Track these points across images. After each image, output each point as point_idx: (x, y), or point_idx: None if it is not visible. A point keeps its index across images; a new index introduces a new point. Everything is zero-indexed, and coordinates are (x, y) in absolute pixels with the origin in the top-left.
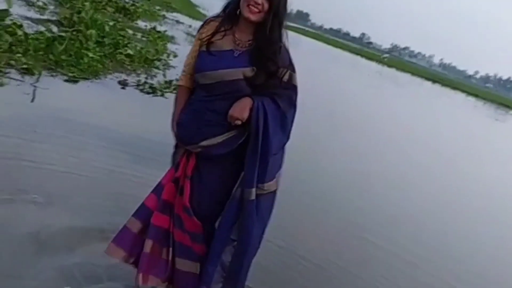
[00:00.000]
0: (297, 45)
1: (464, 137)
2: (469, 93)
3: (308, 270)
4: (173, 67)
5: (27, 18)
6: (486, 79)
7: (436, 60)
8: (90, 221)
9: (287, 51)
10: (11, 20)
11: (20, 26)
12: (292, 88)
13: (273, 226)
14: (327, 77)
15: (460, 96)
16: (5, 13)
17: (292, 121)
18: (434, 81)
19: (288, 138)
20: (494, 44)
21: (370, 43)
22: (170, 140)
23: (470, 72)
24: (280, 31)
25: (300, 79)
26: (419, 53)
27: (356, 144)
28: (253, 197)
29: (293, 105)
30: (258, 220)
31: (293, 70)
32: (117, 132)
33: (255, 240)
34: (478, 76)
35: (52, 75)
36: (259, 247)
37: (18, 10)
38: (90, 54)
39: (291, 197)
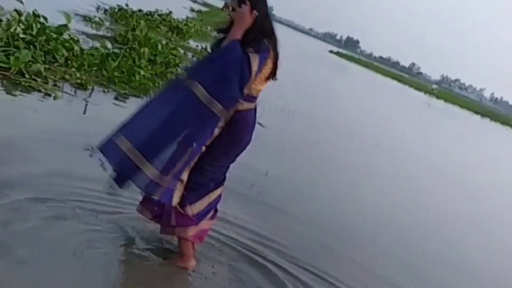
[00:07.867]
0: (345, 71)
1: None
2: None
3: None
4: None
5: (83, 33)
6: None
7: (487, 94)
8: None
9: None
10: (69, 34)
11: (77, 41)
12: None
13: None
14: (377, 108)
15: (510, 132)
16: (64, 28)
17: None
18: (483, 115)
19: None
20: None
21: (420, 73)
22: None
23: None
24: None
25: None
26: (470, 86)
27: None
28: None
29: None
30: None
31: None
32: None
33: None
34: None
35: (104, 91)
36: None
37: (76, 25)
38: (142, 72)
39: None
